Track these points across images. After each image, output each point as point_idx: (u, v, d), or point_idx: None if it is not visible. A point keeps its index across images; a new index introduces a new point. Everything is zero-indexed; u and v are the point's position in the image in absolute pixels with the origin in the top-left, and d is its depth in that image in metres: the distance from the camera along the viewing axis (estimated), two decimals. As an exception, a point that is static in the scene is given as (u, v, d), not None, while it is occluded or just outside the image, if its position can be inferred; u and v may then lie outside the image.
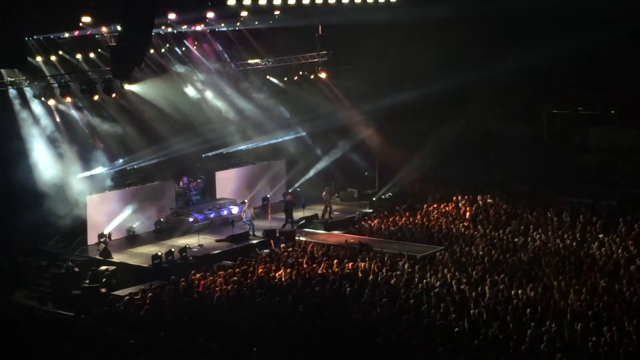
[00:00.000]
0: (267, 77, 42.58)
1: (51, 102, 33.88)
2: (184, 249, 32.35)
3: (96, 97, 34.67)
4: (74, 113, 35.71)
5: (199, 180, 39.78)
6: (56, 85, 33.11)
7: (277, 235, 34.73)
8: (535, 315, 23.04)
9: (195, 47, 39.39)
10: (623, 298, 24.58)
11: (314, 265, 29.22)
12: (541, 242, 31.83)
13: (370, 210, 40.26)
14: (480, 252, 30.46)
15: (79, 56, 34.96)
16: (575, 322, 22.29)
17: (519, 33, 40.40)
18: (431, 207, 39.00)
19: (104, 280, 29.46)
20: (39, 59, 33.95)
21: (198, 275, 28.67)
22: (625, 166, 42.51)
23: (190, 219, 37.04)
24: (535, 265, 28.57)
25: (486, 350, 20.49)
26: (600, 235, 32.41)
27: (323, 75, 43.36)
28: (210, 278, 27.98)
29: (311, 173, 44.13)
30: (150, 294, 26.39)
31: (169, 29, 37.00)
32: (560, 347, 20.40)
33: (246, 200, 37.97)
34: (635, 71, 40.57)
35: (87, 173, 35.26)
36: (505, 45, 40.16)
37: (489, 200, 39.06)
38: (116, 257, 32.60)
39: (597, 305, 23.82)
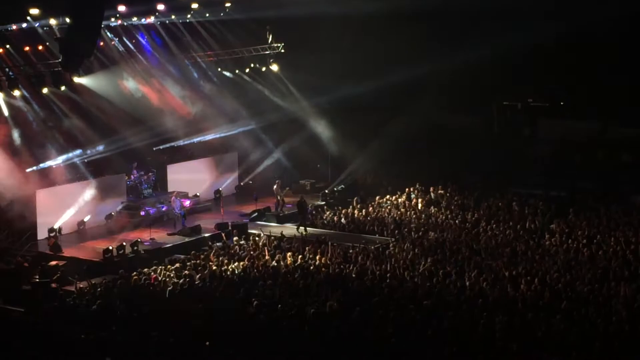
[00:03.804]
0: (219, 69, 42.34)
1: (-1, 95, 33.39)
2: (135, 243, 32.03)
3: (45, 90, 34.27)
4: (22, 106, 35.14)
5: (150, 174, 39.43)
6: (4, 78, 32.59)
7: (230, 228, 34.52)
8: (487, 305, 23.13)
9: (145, 40, 39.02)
10: (573, 288, 24.77)
11: (267, 258, 29.11)
12: (492, 233, 31.99)
13: (323, 203, 40.21)
14: (433, 243, 30.55)
15: (27, 49, 34.47)
16: (527, 312, 22.42)
17: (470, 26, 40.51)
18: (383, 199, 39.04)
19: (56, 276, 28.96)
20: (-14, 52, 33.48)
21: (150, 269, 28.42)
22: (574, 158, 42.90)
23: (142, 213, 36.70)
24: (487, 256, 28.69)
25: (439, 341, 20.51)
26: (551, 226, 32.71)
27: (275, 67, 43.27)
28: (162, 272, 27.74)
29: (263, 166, 43.99)
30: (99, 289, 26.10)
31: (119, 21, 36.62)
32: (512, 337, 20.48)
33: (175, 191, 37.54)
34: (584, 63, 40.91)
35: (37, 167, 34.76)
36: (456, 38, 40.31)
37: (440, 192, 39.25)
38: (67, 252, 32.16)
39: (548, 296, 23.98)
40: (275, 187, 39.22)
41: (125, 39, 38.26)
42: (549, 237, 31.22)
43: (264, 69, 43.31)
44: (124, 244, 31.89)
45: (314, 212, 37.94)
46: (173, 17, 38.44)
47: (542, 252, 29.20)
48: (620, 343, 20.26)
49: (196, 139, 42.12)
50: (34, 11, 30.25)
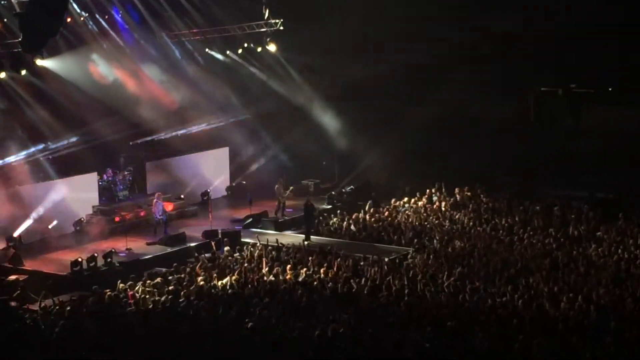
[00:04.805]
0: (206, 49, 42.34)
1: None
2: (109, 254, 32.06)
3: (3, 75, 34.28)
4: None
5: (126, 173, 39.43)
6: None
7: (220, 236, 34.51)
8: (523, 326, 23.07)
9: (120, 16, 39.03)
10: (624, 306, 24.70)
11: (263, 272, 29.09)
12: (529, 241, 31.93)
13: (329, 207, 40.20)
14: (459, 254, 30.50)
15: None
16: (569, 334, 22.35)
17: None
18: (400, 202, 39.03)
19: (16, 293, 29.00)
20: None
21: (126, 284, 28.41)
22: (624, 153, 42.73)
23: (116, 218, 36.69)
24: (522, 268, 28.62)
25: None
26: (598, 234, 32.65)
27: (272, 47, 43.20)
28: (141, 288, 27.72)
29: (259, 163, 43.99)
30: (68, 308, 26.06)
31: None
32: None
33: (157, 193, 37.51)
34: (637, 41, 40.79)
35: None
36: (486, 12, 40.22)
37: (467, 194, 39.22)
38: (28, 265, 32.25)
39: (594, 315, 23.92)
40: (277, 186, 39.23)
41: (96, 15, 38.23)
42: (595, 246, 31.13)
43: (259, 49, 43.30)
44: (96, 255, 31.89)
45: (320, 218, 37.87)
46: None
47: (587, 263, 29.11)
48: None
49: (180, 132, 42.13)
50: (-10, -18, 30.33)
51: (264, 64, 43.89)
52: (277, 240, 33.08)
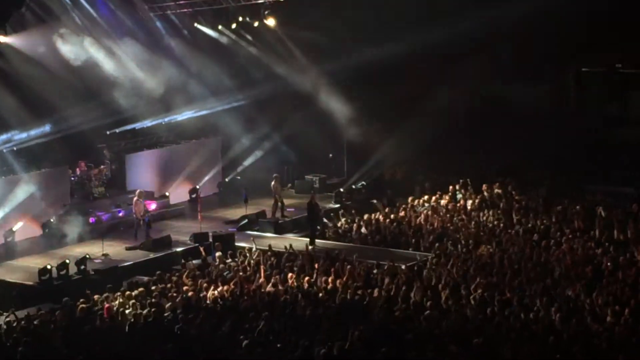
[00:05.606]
0: (195, 24, 42.28)
1: None
2: (82, 261, 32.02)
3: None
4: None
5: (102, 167, 39.39)
6: None
7: (210, 240, 34.47)
8: (560, 344, 23.00)
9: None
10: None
11: (261, 281, 29.05)
12: (568, 246, 31.85)
13: (337, 206, 40.17)
14: (487, 261, 30.43)
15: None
16: (615, 353, 22.27)
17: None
18: (419, 201, 38.98)
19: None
20: None
21: (102, 295, 28.34)
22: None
23: (91, 219, 36.67)
24: (560, 277, 28.55)
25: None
26: (648, 237, 32.64)
27: (271, 22, 43.09)
28: (119, 299, 27.67)
29: (255, 156, 43.95)
30: (35, 322, 26.01)
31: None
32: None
33: (137, 191, 37.36)
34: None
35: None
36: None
37: (496, 191, 39.14)
38: (-11, 273, 32.25)
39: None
40: (273, 183, 39.15)
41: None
42: (645, 252, 31.13)
43: (256, 23, 43.20)
44: (67, 261, 31.88)
45: (327, 219, 37.89)
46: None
47: (635, 272, 29.02)
48: None
49: (165, 120, 42.09)
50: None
51: (261, 40, 43.79)
52: (290, 245, 33.06)
